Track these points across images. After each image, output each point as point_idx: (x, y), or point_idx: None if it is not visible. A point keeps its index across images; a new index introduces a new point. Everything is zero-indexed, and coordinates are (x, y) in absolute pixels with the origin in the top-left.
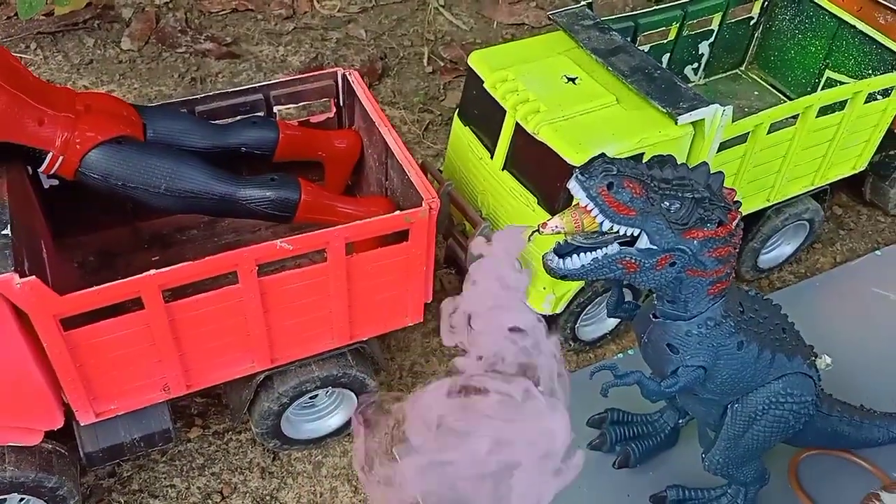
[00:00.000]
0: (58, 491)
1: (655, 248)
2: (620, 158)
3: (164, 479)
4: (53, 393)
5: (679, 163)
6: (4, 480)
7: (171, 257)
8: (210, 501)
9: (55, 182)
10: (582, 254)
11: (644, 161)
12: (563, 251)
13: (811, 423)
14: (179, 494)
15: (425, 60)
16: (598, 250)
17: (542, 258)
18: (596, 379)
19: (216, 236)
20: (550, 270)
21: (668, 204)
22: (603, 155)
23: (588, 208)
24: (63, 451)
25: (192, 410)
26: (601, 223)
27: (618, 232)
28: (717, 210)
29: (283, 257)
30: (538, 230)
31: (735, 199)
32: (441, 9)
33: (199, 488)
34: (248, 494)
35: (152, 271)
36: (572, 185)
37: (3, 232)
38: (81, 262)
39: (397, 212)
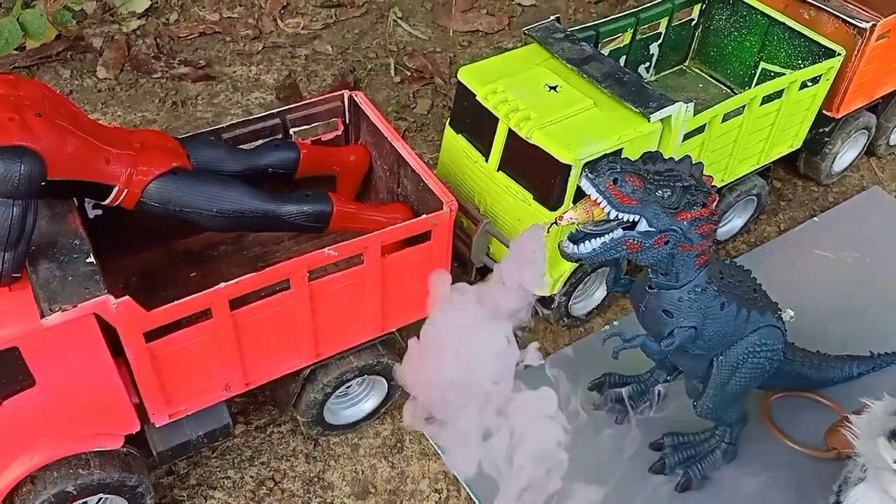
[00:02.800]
0: (137, 488)
1: (653, 229)
2: (620, 158)
3: (219, 472)
4: (131, 400)
5: (666, 157)
6: (93, 482)
7: (206, 272)
8: (265, 487)
9: (99, 212)
10: (593, 239)
11: (627, 158)
12: (576, 238)
13: (779, 367)
14: (235, 484)
15: (392, 71)
16: (606, 235)
17: (559, 245)
18: (589, 349)
19: (244, 250)
20: (567, 256)
21: (661, 192)
22: (607, 156)
23: (598, 201)
24: (136, 453)
25: (234, 409)
26: (608, 212)
27: (622, 219)
28: (701, 194)
29: (328, 263)
30: (556, 223)
31: (714, 185)
32: (399, 20)
33: (251, 477)
34: (297, 478)
35: (222, 284)
36: (583, 183)
37: (87, 260)
38: (125, 283)
39: (423, 216)
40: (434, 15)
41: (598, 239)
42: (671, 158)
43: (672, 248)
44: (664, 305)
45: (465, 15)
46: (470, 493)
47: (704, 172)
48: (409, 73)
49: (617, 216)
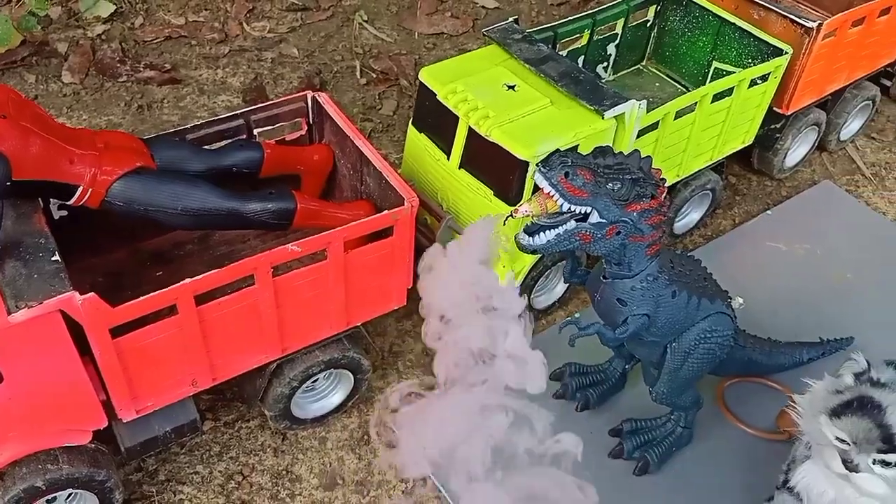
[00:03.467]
0: (106, 483)
1: (604, 221)
2: (572, 152)
3: (188, 467)
4: (98, 396)
5: (616, 151)
6: (62, 478)
7: (173, 272)
8: (233, 481)
9: (64, 213)
10: (546, 231)
11: (578, 152)
12: (531, 230)
13: (731, 353)
14: (204, 479)
15: (358, 73)
16: (560, 227)
17: (515, 238)
18: (551, 340)
19: (210, 249)
20: (522, 248)
21: (612, 185)
22: (558, 150)
23: (550, 194)
24: (104, 448)
25: (202, 406)
26: (561, 205)
27: (575, 211)
28: (649, 186)
29: (292, 259)
30: (511, 215)
31: (662, 177)
32: (365, 23)
33: (220, 472)
34: (265, 472)
35: (187, 280)
36: (537, 177)
37: (53, 258)
38: (92, 283)
39: (385, 212)
40: (399, 18)
41: (552, 231)
42: (620, 153)
43: (623, 239)
44: (618, 294)
45: (430, 18)
46: (435, 481)
47: (656, 167)
48: (374, 76)
49: (569, 208)
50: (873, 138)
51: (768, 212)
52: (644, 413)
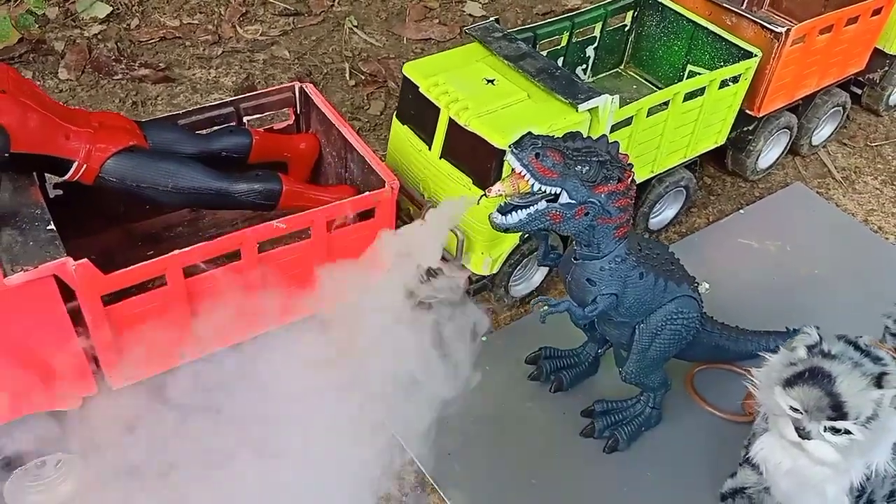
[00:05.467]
0: None
1: (573, 202)
2: (543, 135)
3: None
4: (89, 363)
5: (585, 136)
6: (52, 441)
7: (163, 252)
8: None
9: (59, 192)
10: (518, 210)
11: (549, 135)
12: (504, 210)
13: (699, 338)
14: None
15: (347, 75)
16: (531, 207)
17: (489, 217)
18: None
19: (200, 231)
20: (496, 226)
21: (580, 167)
22: (530, 133)
23: (522, 174)
24: None
25: None
26: (532, 185)
27: (545, 191)
28: (616, 169)
29: (277, 236)
30: (485, 195)
31: (629, 162)
32: (355, 29)
33: None
34: None
35: (176, 251)
36: (509, 157)
37: (48, 227)
38: None
39: (366, 193)
40: (389, 24)
41: (523, 210)
42: (589, 137)
43: (592, 220)
44: (587, 275)
45: (419, 24)
46: (413, 457)
47: (625, 155)
48: (363, 77)
49: (540, 188)
50: (845, 144)
51: (741, 211)
52: (616, 396)
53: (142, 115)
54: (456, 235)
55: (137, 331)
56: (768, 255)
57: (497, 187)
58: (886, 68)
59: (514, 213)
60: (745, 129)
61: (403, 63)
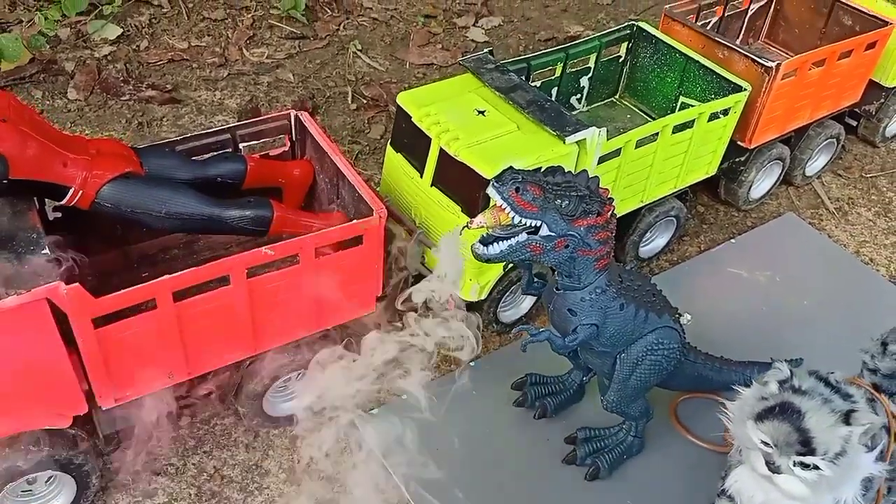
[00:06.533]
0: (84, 467)
1: (553, 234)
2: (524, 169)
3: (164, 459)
4: (80, 383)
5: (566, 170)
6: (43, 458)
7: (158, 274)
8: (205, 474)
9: (59, 214)
10: (500, 242)
11: (530, 170)
12: (486, 241)
13: (681, 368)
14: (178, 470)
15: (349, 99)
16: (512, 238)
17: (471, 248)
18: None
19: (195, 254)
20: (477, 256)
21: (560, 201)
22: (511, 167)
23: (503, 207)
24: (84, 434)
25: (180, 403)
26: (513, 218)
27: (525, 224)
28: (596, 203)
29: (266, 262)
30: (467, 226)
31: (609, 196)
32: (359, 53)
33: (194, 464)
34: (236, 466)
35: (166, 276)
36: (490, 191)
37: (43, 252)
38: (82, 281)
39: (354, 221)
40: (392, 49)
41: (505, 241)
42: (570, 172)
43: (572, 252)
44: (568, 305)
45: (422, 49)
46: (398, 481)
47: (605, 189)
48: (365, 101)
49: (520, 221)
50: (840, 175)
51: (732, 241)
52: (599, 423)
53: (147, 135)
54: None
55: (128, 352)
56: (758, 286)
57: (479, 219)
58: (882, 100)
59: (495, 244)
60: (738, 160)
61: (405, 87)
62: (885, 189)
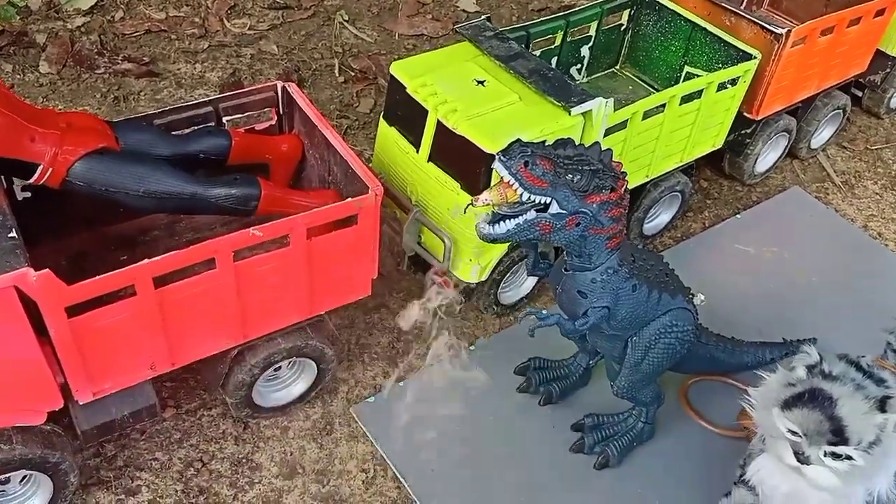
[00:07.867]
0: (60, 466)
1: (564, 212)
2: (532, 142)
3: (147, 454)
4: (54, 376)
5: (577, 143)
6: (15, 458)
7: (137, 257)
8: (192, 468)
9: (28, 194)
10: (507, 220)
11: (538, 142)
12: (492, 220)
13: (693, 350)
14: (163, 465)
15: (336, 71)
16: (520, 217)
17: (476, 226)
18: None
19: (176, 235)
20: (483, 237)
21: (571, 176)
22: (519, 140)
23: (510, 183)
24: (60, 431)
25: (164, 393)
26: (521, 194)
27: (534, 201)
28: (609, 179)
29: (254, 244)
30: (472, 203)
31: (622, 171)
32: (346, 23)
33: (180, 458)
34: (225, 459)
35: (145, 261)
36: (497, 165)
37: (10, 235)
38: (55, 266)
39: (348, 199)
40: (380, 19)
41: (512, 220)
42: (581, 145)
43: (583, 231)
44: (578, 286)
45: (411, 19)
46: (396, 472)
47: (618, 161)
48: (353, 74)
49: (529, 198)
50: (845, 147)
51: (738, 216)
52: (607, 409)
53: (123, 110)
54: (443, 241)
55: (105, 343)
56: (764, 262)
57: (484, 196)
58: (888, 70)
59: (501, 223)
60: (743, 132)
61: (395, 59)
62: (890, 161)
